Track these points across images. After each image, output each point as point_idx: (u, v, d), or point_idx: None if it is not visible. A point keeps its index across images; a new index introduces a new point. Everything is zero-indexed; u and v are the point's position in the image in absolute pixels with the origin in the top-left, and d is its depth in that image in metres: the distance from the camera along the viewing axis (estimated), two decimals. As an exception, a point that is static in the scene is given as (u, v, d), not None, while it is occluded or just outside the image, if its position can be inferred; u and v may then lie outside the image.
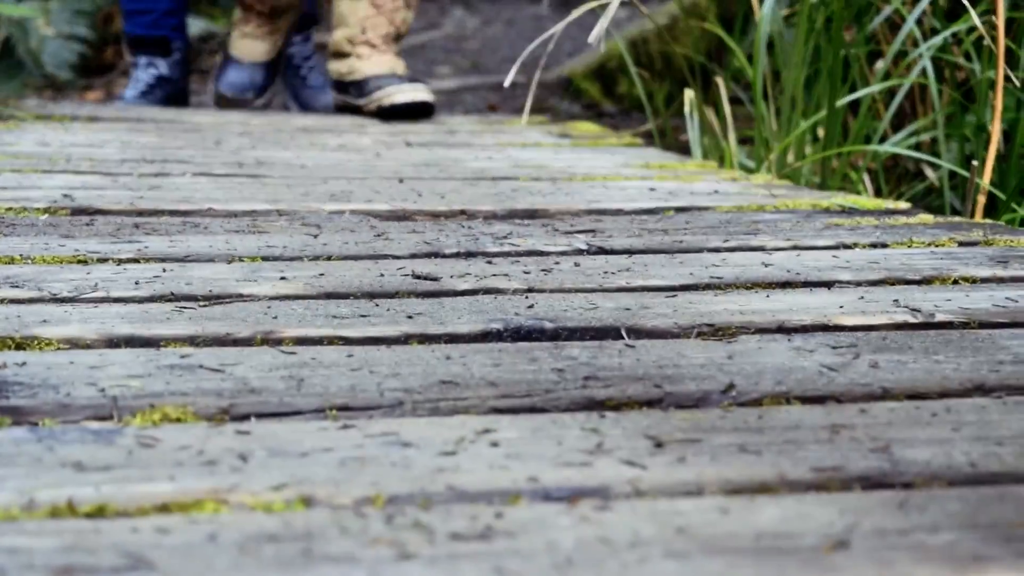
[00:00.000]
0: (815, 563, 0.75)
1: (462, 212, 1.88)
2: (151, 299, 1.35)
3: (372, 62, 3.16)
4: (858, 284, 1.46)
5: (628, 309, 1.32)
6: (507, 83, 2.62)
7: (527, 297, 1.37)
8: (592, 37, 2.37)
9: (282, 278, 1.43)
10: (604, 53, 3.71)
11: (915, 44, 2.46)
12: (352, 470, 0.89)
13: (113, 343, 1.20)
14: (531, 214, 1.89)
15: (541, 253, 1.62)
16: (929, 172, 2.50)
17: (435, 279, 1.44)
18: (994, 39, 2.10)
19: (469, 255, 1.60)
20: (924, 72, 2.36)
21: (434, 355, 1.16)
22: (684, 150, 2.84)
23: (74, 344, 1.19)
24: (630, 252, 1.63)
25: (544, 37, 2.57)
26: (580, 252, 1.63)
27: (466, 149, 2.63)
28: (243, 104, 3.40)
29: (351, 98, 3.17)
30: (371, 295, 1.38)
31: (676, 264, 1.54)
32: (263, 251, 1.59)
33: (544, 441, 0.95)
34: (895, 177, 2.59)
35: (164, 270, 1.47)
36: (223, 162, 2.35)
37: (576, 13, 2.48)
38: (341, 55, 3.21)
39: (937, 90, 2.33)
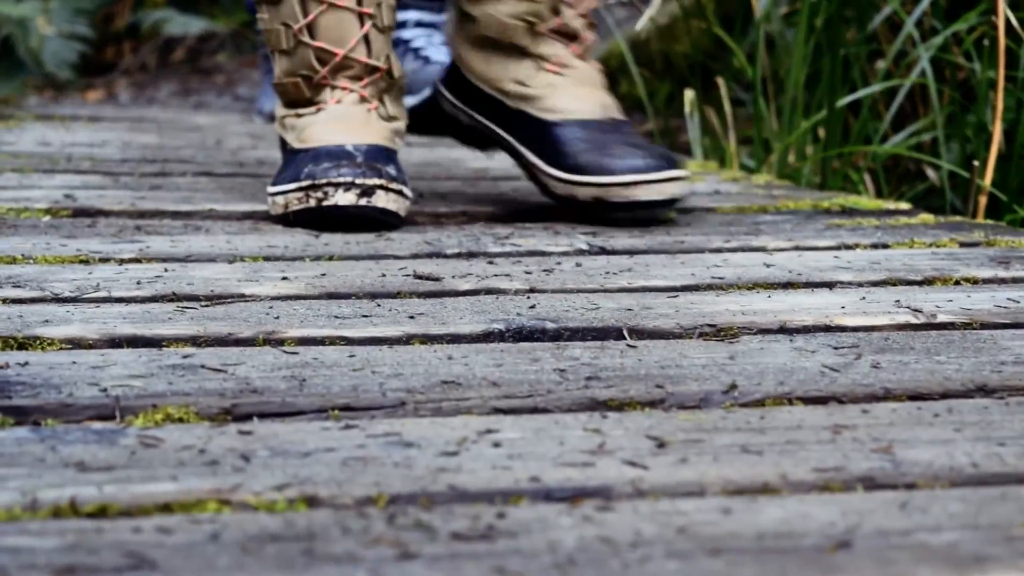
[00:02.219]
0: (817, 563, 0.75)
1: (463, 212, 1.88)
2: (153, 299, 1.35)
3: (571, 85, 1.81)
4: (859, 285, 1.46)
5: (630, 309, 1.32)
6: None
7: (529, 297, 1.37)
8: (639, 24, 2.35)
9: (284, 278, 1.43)
10: (604, 53, 3.71)
11: (915, 44, 2.46)
12: (354, 470, 0.89)
13: (115, 343, 1.20)
14: (532, 214, 1.89)
15: (543, 253, 1.62)
16: (930, 172, 2.50)
17: (437, 279, 1.44)
18: (994, 39, 2.10)
19: (471, 255, 1.60)
20: (924, 72, 2.36)
21: (436, 355, 1.16)
22: (685, 150, 2.84)
23: (76, 344, 1.19)
24: (632, 252, 1.63)
25: None
26: (582, 252, 1.63)
27: (467, 148, 2.63)
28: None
29: (532, 155, 1.81)
30: (373, 295, 1.38)
31: (678, 264, 1.54)
32: (264, 251, 1.59)
33: (546, 441, 0.95)
34: (896, 177, 2.59)
35: (166, 270, 1.47)
36: (224, 162, 2.35)
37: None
38: (506, 49, 1.83)
39: (937, 90, 2.33)
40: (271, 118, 2.91)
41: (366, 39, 1.81)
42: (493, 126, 1.88)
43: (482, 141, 1.94)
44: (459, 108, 1.92)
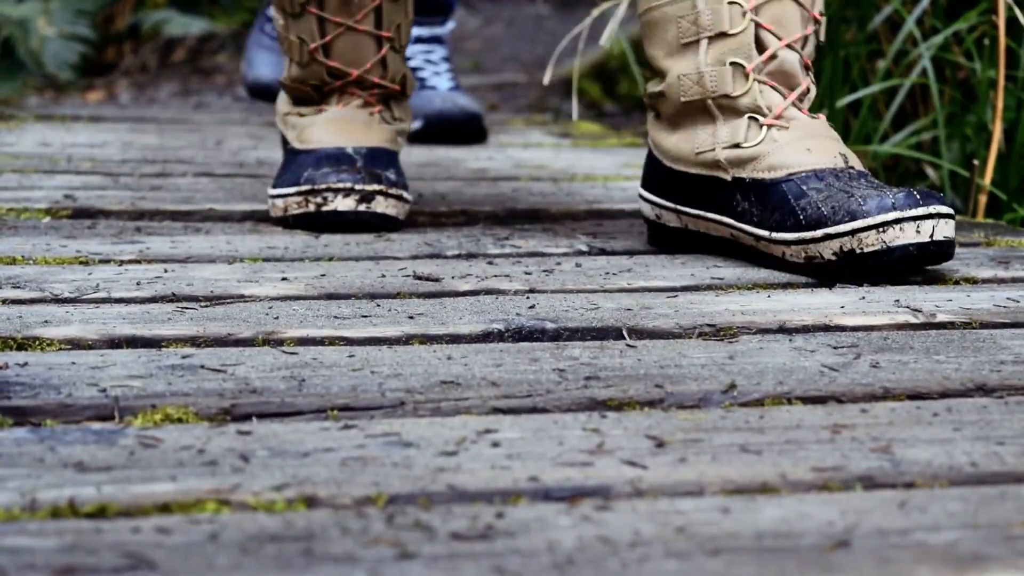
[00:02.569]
0: (816, 562, 0.75)
1: (463, 213, 1.88)
2: (152, 300, 1.35)
3: (797, 138, 1.52)
4: (859, 284, 1.46)
5: (629, 309, 1.32)
6: (546, 81, 2.55)
7: (528, 297, 1.37)
8: (604, 39, 2.37)
9: (283, 279, 1.44)
10: (605, 53, 3.71)
11: (915, 43, 2.46)
12: (353, 470, 0.89)
13: (114, 343, 1.20)
14: (532, 215, 1.89)
15: (542, 254, 1.62)
16: (930, 172, 2.50)
17: (436, 280, 1.44)
18: (995, 39, 2.10)
19: (470, 256, 1.60)
20: (924, 72, 2.36)
21: (435, 355, 1.16)
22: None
23: (76, 345, 1.19)
24: (631, 253, 1.63)
25: (571, 36, 2.57)
26: (581, 253, 1.63)
27: (466, 149, 2.63)
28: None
29: (752, 227, 1.51)
30: (372, 296, 1.38)
31: (677, 264, 1.54)
32: (264, 252, 1.59)
33: (545, 441, 0.95)
34: (896, 177, 2.59)
35: (165, 271, 1.47)
36: (224, 162, 2.35)
37: (588, 20, 2.49)
38: (712, 112, 1.55)
39: (938, 90, 2.34)
40: (254, 90, 2.88)
41: (383, 61, 1.81)
42: (707, 213, 1.58)
43: (697, 246, 1.63)
44: (666, 208, 1.63)
